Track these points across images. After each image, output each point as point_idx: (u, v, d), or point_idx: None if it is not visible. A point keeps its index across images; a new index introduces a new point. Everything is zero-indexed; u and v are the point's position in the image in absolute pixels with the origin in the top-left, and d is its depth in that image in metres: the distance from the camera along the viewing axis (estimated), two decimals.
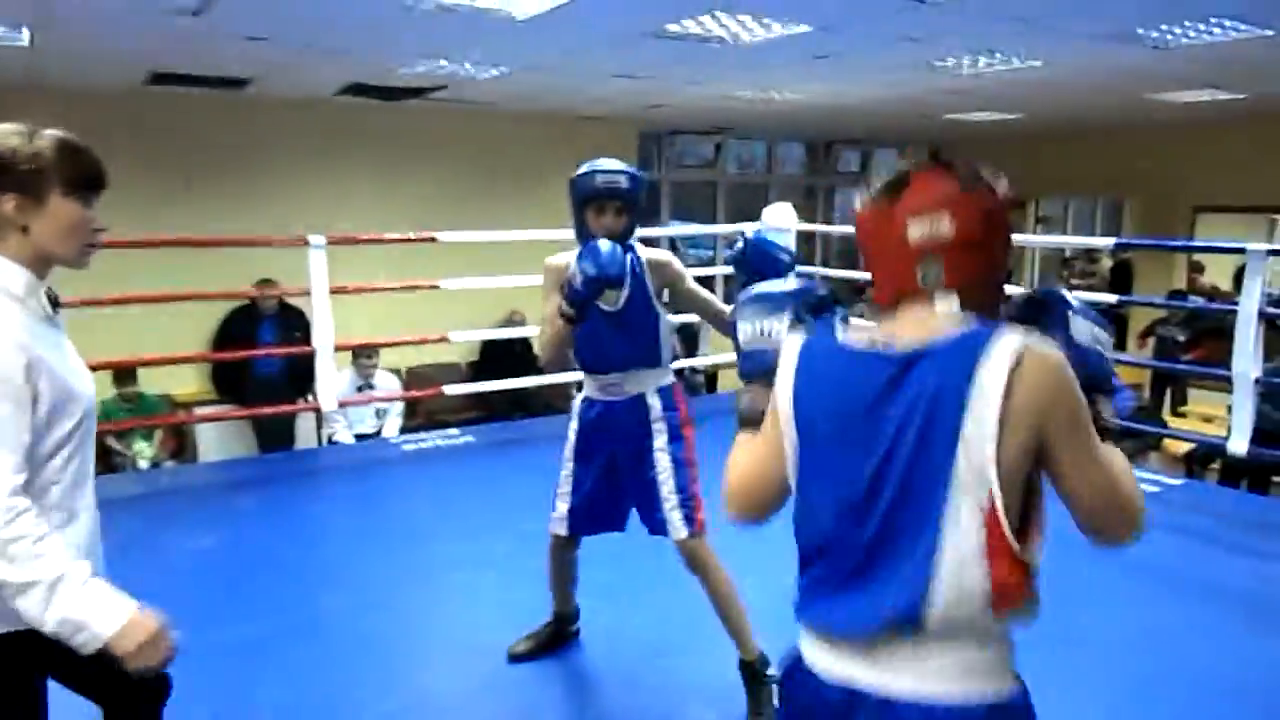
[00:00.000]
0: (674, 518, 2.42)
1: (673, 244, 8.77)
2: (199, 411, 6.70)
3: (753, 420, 1.37)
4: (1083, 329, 1.34)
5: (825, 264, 11.30)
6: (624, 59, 5.86)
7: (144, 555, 3.41)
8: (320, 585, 3.27)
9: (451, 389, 5.67)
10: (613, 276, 2.29)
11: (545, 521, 2.69)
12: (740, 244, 2.25)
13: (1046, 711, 2.40)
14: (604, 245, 2.30)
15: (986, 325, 1.16)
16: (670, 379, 2.57)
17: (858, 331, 1.25)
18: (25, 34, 4.91)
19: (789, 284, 1.44)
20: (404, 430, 6.21)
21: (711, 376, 8.39)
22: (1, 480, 1.33)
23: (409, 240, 5.44)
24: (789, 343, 1.29)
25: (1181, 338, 6.63)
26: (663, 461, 2.46)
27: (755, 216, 6.54)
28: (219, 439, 6.90)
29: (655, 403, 2.50)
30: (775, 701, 2.18)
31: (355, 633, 2.96)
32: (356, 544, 3.76)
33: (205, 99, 6.90)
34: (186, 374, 7.04)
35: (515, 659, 2.74)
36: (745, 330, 1.42)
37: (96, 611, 1.33)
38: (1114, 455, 1.21)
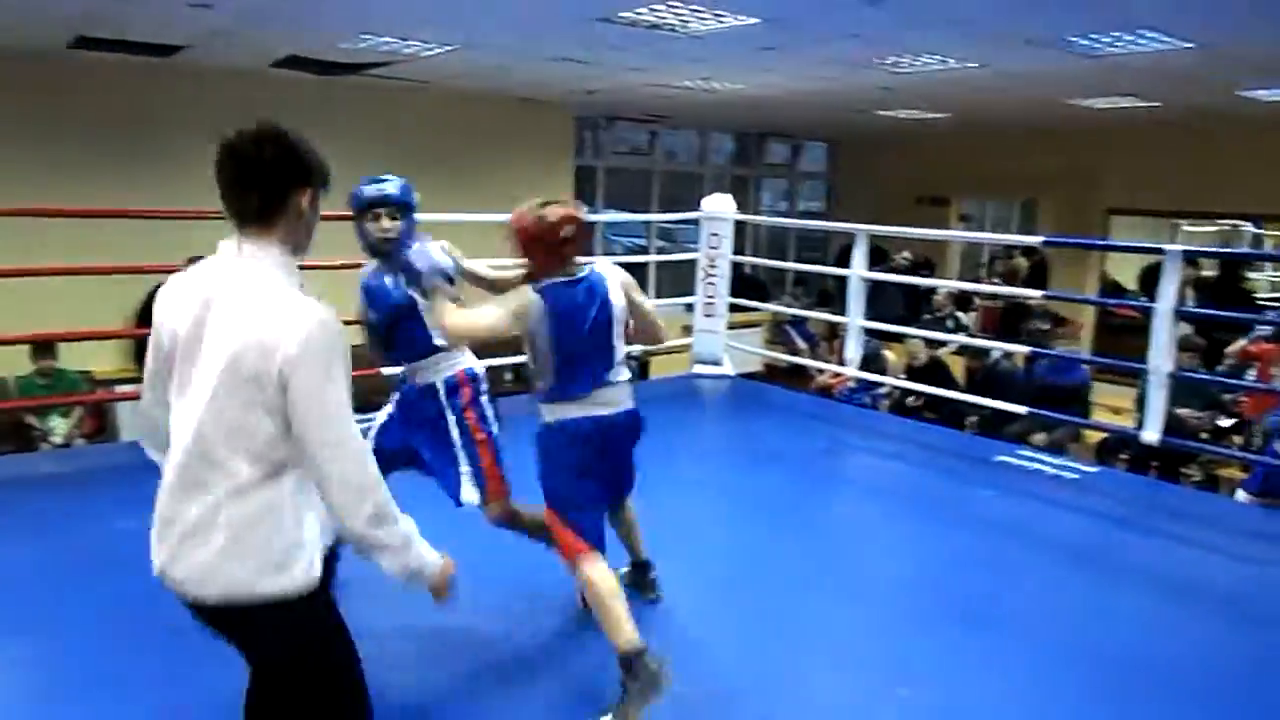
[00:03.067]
0: (467, 487, 2.80)
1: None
2: (120, 390, 6.45)
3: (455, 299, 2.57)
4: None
5: (755, 252, 11.47)
6: (573, 41, 5.86)
7: (61, 537, 3.35)
8: None
9: None
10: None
11: None
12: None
13: (956, 690, 2.46)
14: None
15: (591, 266, 2.56)
16: (455, 369, 2.81)
17: (556, 279, 2.47)
18: None
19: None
20: None
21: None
22: (365, 451, 1.54)
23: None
24: (534, 293, 2.44)
25: (1045, 326, 7.24)
26: (455, 438, 2.82)
27: (688, 205, 6.60)
28: None
29: (441, 390, 2.80)
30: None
31: None
32: None
33: (131, 65, 6.65)
34: (108, 350, 6.80)
35: None
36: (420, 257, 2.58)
37: (427, 559, 1.66)
38: None
